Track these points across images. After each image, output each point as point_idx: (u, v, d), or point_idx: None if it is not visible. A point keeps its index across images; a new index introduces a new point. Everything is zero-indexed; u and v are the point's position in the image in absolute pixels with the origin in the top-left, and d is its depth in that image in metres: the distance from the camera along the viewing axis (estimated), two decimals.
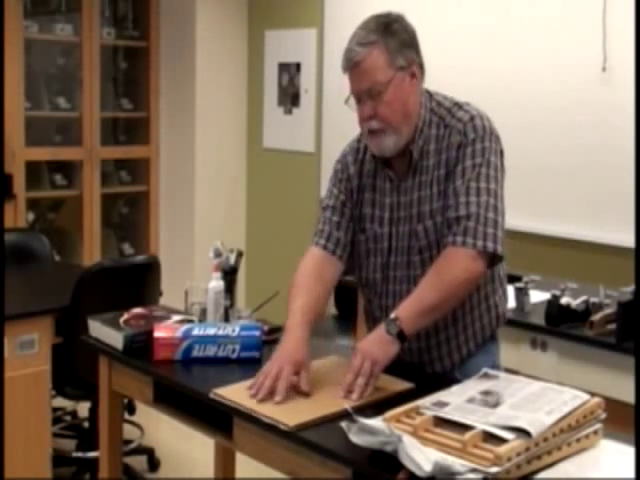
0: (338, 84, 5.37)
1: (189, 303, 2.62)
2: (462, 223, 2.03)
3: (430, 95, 2.20)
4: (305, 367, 2.05)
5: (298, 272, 2.25)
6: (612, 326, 2.88)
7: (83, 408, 4.10)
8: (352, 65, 2.11)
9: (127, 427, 3.79)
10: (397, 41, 2.10)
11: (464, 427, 1.66)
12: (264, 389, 1.99)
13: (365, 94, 2.11)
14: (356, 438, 1.70)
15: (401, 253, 2.19)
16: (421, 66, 2.17)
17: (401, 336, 2.01)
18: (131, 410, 4.15)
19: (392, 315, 2.03)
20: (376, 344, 2.02)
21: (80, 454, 3.87)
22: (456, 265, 2.03)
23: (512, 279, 3.32)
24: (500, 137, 2.16)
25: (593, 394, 1.80)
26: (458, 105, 2.17)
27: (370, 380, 1.99)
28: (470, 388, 1.86)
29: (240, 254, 2.69)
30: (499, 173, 2.11)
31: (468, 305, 2.19)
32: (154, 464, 3.98)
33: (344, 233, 2.27)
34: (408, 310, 2.03)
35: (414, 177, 2.16)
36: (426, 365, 2.25)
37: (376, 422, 1.71)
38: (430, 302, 2.03)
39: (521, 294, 3.18)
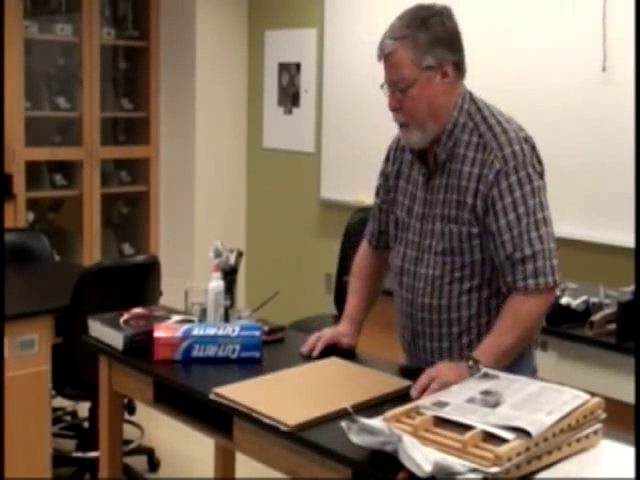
0: (338, 84, 5.39)
1: (189, 303, 2.62)
2: (529, 264, 2.04)
3: (472, 99, 2.18)
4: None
5: (354, 264, 2.51)
6: (612, 326, 2.88)
7: (83, 408, 4.10)
8: (383, 56, 2.12)
9: (127, 427, 3.80)
10: (428, 38, 2.07)
11: (464, 427, 1.66)
12: (308, 344, 2.35)
13: (393, 85, 2.12)
14: (356, 438, 1.71)
15: (422, 250, 2.20)
16: (458, 65, 2.14)
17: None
18: (131, 410, 4.15)
19: (475, 356, 2.01)
20: (454, 372, 2.00)
21: (80, 454, 3.87)
22: (532, 307, 2.06)
23: None
24: (540, 155, 2.16)
25: (593, 394, 1.80)
26: (497, 119, 2.13)
27: None
28: (470, 388, 1.86)
29: (240, 254, 2.69)
30: (544, 195, 2.11)
31: (485, 318, 2.18)
32: (154, 464, 3.98)
33: (377, 224, 2.41)
34: (488, 356, 2.01)
35: (441, 177, 2.16)
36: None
37: (376, 422, 1.71)
38: (509, 345, 2.06)
39: None
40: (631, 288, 2.90)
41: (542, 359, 3.05)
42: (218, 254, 2.59)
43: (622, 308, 2.82)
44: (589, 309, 2.98)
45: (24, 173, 5.17)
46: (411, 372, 2.21)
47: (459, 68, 2.15)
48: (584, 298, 3.00)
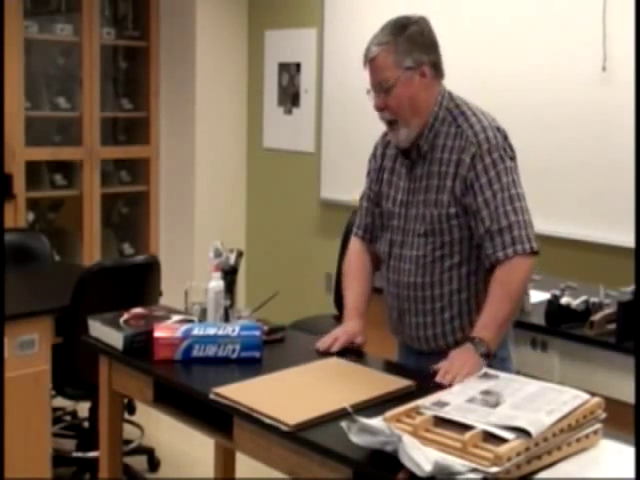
0: (338, 84, 5.38)
1: (189, 303, 2.62)
2: (506, 234, 2.21)
3: (451, 97, 2.38)
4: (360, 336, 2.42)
5: (345, 262, 2.61)
6: (612, 326, 2.88)
7: (83, 408, 4.10)
8: (368, 61, 2.34)
9: (127, 427, 3.79)
10: (408, 43, 2.29)
11: (464, 427, 1.66)
12: (325, 343, 2.39)
13: (377, 87, 2.32)
14: (356, 438, 1.71)
15: (407, 234, 2.38)
16: (435, 67, 2.34)
17: (487, 355, 2.17)
18: (131, 410, 4.15)
19: (477, 335, 2.18)
20: (469, 362, 2.12)
21: (80, 454, 3.87)
22: (517, 273, 2.21)
23: None
24: (511, 143, 2.32)
25: (593, 394, 1.81)
26: (472, 112, 2.33)
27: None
28: (470, 388, 1.86)
29: (240, 254, 2.69)
30: (517, 174, 2.29)
31: (456, 297, 2.34)
32: (154, 464, 3.98)
33: (371, 218, 2.55)
34: (489, 329, 2.19)
35: (423, 166, 2.35)
36: (429, 341, 2.37)
37: (376, 422, 1.71)
38: (505, 314, 2.22)
39: None
40: (631, 288, 2.90)
41: (542, 359, 3.05)
42: (218, 254, 2.59)
43: (622, 308, 2.82)
44: (589, 309, 2.98)
45: (24, 173, 5.17)
46: (410, 372, 2.22)
47: (436, 69, 2.34)
48: (584, 298, 3.00)
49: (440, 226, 2.30)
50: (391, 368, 2.29)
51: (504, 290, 2.21)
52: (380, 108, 2.33)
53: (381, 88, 2.30)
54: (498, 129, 2.30)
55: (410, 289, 2.36)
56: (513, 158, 2.30)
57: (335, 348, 2.37)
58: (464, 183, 2.25)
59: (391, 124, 2.35)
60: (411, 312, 2.38)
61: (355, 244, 2.60)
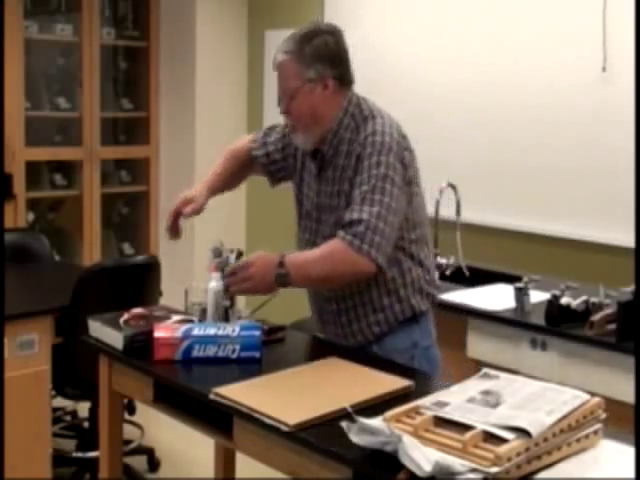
0: None
1: (189, 303, 2.62)
2: (354, 226, 2.22)
3: (358, 102, 2.41)
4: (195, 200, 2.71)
5: (227, 149, 2.80)
6: (612, 326, 2.88)
7: (83, 408, 4.10)
8: (274, 67, 2.42)
9: (127, 427, 3.80)
10: (312, 54, 2.34)
11: (464, 427, 1.66)
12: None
13: (282, 93, 2.40)
14: (356, 438, 1.71)
15: (318, 236, 2.44)
16: (341, 79, 2.38)
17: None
18: (131, 410, 4.15)
19: (288, 265, 2.25)
20: (265, 279, 2.28)
21: (80, 454, 3.87)
22: (346, 255, 2.22)
23: (512, 279, 3.33)
24: (405, 153, 2.31)
25: (593, 394, 1.80)
26: (372, 115, 2.36)
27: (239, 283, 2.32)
28: (470, 388, 1.86)
29: (240, 254, 2.68)
30: (395, 188, 2.26)
31: (367, 296, 2.40)
32: (154, 464, 3.99)
33: (265, 149, 2.67)
34: (297, 270, 2.26)
35: (328, 171, 2.41)
36: (348, 337, 2.45)
37: (376, 422, 1.71)
38: (313, 275, 2.28)
39: (521, 294, 3.18)
40: (631, 288, 2.90)
41: (542, 359, 3.06)
42: (218, 254, 2.59)
43: (622, 308, 2.82)
44: (589, 309, 2.98)
45: (24, 173, 5.17)
46: (410, 372, 2.22)
47: (342, 81, 2.39)
48: (584, 298, 3.00)
49: (336, 231, 2.30)
50: (391, 368, 2.29)
51: (326, 258, 2.24)
52: (283, 112, 2.42)
53: (285, 94, 2.37)
54: (392, 135, 2.29)
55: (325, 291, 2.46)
56: (397, 169, 2.26)
57: (170, 221, 2.76)
58: (349, 184, 2.32)
59: (292, 128, 2.44)
60: (324, 312, 2.48)
61: (242, 143, 2.72)
